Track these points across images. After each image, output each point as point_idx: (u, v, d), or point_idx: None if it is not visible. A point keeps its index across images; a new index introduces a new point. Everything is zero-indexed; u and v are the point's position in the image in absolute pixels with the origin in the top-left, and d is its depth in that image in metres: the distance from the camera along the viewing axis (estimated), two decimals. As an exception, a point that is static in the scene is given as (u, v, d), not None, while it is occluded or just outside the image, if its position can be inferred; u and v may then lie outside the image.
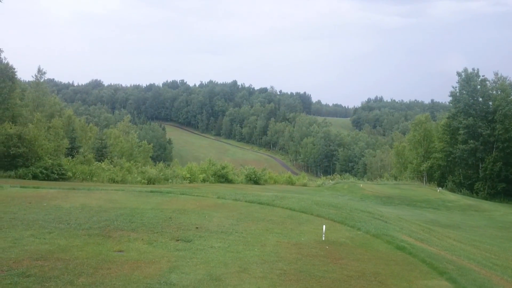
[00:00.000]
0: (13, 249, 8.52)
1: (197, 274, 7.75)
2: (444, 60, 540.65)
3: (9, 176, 30.17)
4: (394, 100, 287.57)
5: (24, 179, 28.97)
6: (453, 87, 57.59)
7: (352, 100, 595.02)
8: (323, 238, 11.19)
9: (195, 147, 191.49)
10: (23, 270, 7.25)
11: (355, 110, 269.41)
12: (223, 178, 34.31)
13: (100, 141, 57.78)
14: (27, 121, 46.07)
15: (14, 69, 50.94)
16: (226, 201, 16.85)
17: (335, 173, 79.41)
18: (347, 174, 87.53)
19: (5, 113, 46.73)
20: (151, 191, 18.45)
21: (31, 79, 69.20)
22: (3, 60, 44.38)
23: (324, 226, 11.80)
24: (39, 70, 66.67)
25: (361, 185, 41.76)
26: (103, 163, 37.60)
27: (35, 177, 29.94)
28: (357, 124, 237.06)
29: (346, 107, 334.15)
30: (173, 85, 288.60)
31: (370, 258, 9.85)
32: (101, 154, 52.01)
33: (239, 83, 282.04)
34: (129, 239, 9.98)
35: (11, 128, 35.88)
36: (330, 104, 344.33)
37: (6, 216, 11.64)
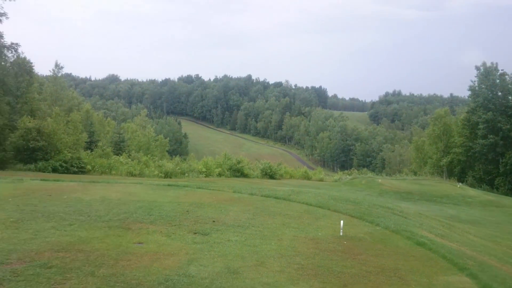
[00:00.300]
0: (34, 240, 8.68)
1: (215, 267, 7.82)
2: (463, 53, 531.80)
3: (29, 169, 30.72)
4: (413, 94, 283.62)
5: (44, 172, 29.45)
6: (472, 81, 56.76)
7: (369, 94, 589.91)
8: (341, 233, 11.15)
9: (210, 142, 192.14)
10: (44, 262, 7.38)
11: (373, 104, 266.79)
12: (238, 172, 34.39)
13: (118, 135, 58.40)
14: (45, 115, 46.72)
15: (31, 63, 51.63)
16: (242, 195, 16.90)
17: (352, 168, 79.01)
18: (365, 169, 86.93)
19: (24, 107, 47.48)
20: (168, 185, 18.61)
21: (48, 73, 70.17)
22: (21, 55, 44.96)
23: (341, 221, 11.75)
24: (57, 65, 67.50)
25: (380, 180, 41.39)
26: (121, 156, 38.05)
27: (54, 170, 30.43)
28: (375, 118, 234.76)
29: (363, 101, 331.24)
30: (188, 79, 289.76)
31: (390, 254, 9.79)
32: (119, 148, 52.59)
33: (253, 77, 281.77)
34: (148, 231, 10.10)
35: (30, 122, 36.48)
36: (347, 98, 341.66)
37: (27, 208, 11.85)
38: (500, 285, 8.75)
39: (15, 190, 15.11)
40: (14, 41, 37.90)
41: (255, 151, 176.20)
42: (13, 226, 9.74)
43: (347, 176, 45.56)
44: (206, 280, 7.12)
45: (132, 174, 30.27)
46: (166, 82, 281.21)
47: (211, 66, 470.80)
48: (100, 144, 51.96)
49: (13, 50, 39.63)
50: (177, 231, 10.28)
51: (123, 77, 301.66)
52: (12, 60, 43.01)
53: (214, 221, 11.62)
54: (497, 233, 20.24)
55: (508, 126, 50.49)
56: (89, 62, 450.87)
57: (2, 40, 37.82)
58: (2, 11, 36.81)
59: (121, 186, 17.89)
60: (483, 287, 8.23)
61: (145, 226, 10.53)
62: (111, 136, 67.82)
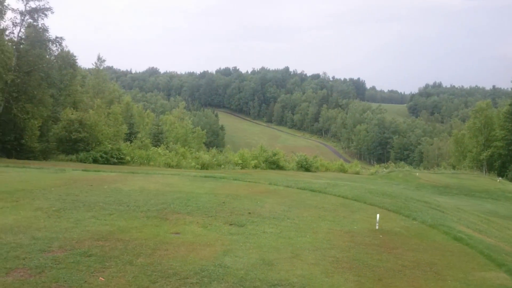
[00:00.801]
0: (75, 229, 8.97)
1: (250, 258, 7.89)
2: (506, 44, 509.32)
3: (71, 160, 31.84)
4: (454, 86, 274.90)
5: (85, 162, 30.43)
6: (516, 72, 54.41)
7: (409, 86, 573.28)
8: (377, 227, 11.02)
9: (247, 134, 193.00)
10: (85, 250, 7.61)
11: (412, 96, 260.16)
12: (274, 164, 34.44)
13: (157, 127, 59.54)
14: (87, 107, 48.19)
15: (75, 56, 53.30)
16: (277, 187, 16.94)
17: (389, 161, 77.46)
18: (402, 162, 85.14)
19: (67, 99, 49.14)
20: (205, 176, 18.88)
21: (91, 66, 72.23)
22: (64, 48, 46.43)
23: (378, 215, 11.61)
24: (99, 58, 69.34)
25: (417, 173, 40.53)
26: (159, 148, 38.82)
27: (95, 161, 31.40)
28: (414, 110, 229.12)
29: (402, 93, 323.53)
30: (226, 72, 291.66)
31: (426, 248, 9.61)
32: (157, 139, 53.68)
33: (291, 69, 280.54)
34: (185, 222, 10.30)
35: (72, 114, 37.71)
36: (385, 90, 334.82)
37: (69, 198, 12.30)
38: (542, 283, 8.44)
39: (58, 180, 15.71)
40: (58, 35, 39.09)
41: (291, 143, 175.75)
42: (55, 215, 10.11)
43: (384, 169, 44.83)
44: (241, 271, 7.20)
45: (169, 165, 30.85)
46: (204, 74, 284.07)
47: (249, 59, 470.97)
48: (139, 135, 53.21)
49: (57, 44, 41.00)
50: (213, 222, 10.43)
51: (162, 69, 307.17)
52: (56, 53, 44.55)
53: (250, 212, 11.73)
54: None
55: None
56: (130, 56, 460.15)
57: (47, 34, 39.17)
58: (48, 6, 38.17)
59: (159, 177, 18.27)
60: (523, 285, 7.97)
61: (182, 217, 10.74)
62: (150, 128, 69.22)
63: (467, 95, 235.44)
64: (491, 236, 12.92)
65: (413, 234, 10.93)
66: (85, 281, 6.23)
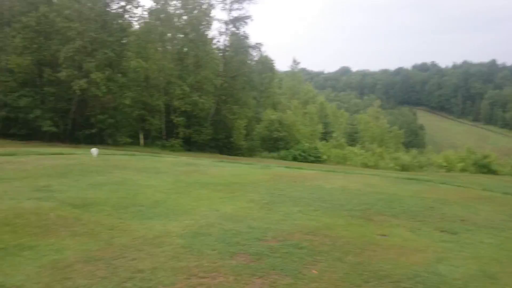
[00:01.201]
0: (285, 222, 9.44)
1: (468, 269, 7.15)
2: None
3: (273, 157, 34.23)
4: None
5: (285, 160, 32.27)
6: None
7: None
8: None
9: (450, 134, 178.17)
10: (295, 242, 7.91)
11: None
12: (485, 168, 30.83)
13: (352, 126, 59.70)
14: (285, 108, 51.17)
15: (272, 60, 57.22)
16: (493, 193, 15.10)
17: None
18: None
19: (266, 100, 53.03)
20: (408, 178, 18.04)
21: (286, 69, 76.67)
22: (263, 53, 50.08)
23: None
24: (294, 61, 72.99)
25: None
26: (355, 147, 38.79)
27: (294, 158, 33.10)
28: None
29: None
30: (422, 67, 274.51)
31: None
32: (352, 139, 53.86)
33: (499, 62, 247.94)
34: (390, 224, 9.94)
35: (272, 114, 40.51)
36: None
37: (276, 192, 13.05)
38: None
39: (265, 175, 16.95)
40: (258, 41, 42.71)
41: (504, 145, 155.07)
42: (266, 207, 10.85)
43: None
44: (459, 281, 6.57)
45: (366, 165, 30.46)
46: (399, 71, 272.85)
47: (449, 52, 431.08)
48: (334, 135, 54.11)
49: (257, 49, 44.68)
50: (422, 227, 9.82)
51: (354, 68, 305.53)
52: (256, 58, 48.59)
53: (462, 220, 10.68)
54: None
55: None
56: (322, 56, 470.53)
57: (247, 41, 43.01)
58: (248, 14, 41.92)
59: (358, 176, 18.17)
60: None
61: (387, 219, 10.40)
62: (344, 127, 69.75)
63: None
64: None
65: None
66: (299, 272, 6.49)
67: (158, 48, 40.68)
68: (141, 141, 37.67)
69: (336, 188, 14.63)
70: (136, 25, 41.25)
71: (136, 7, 39.06)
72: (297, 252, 7.38)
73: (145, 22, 40.79)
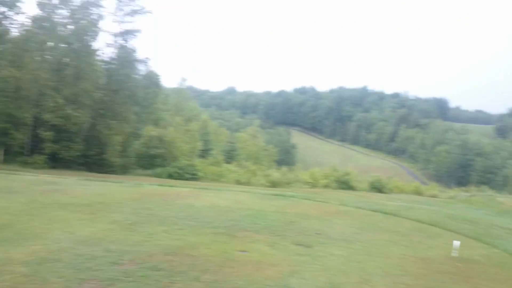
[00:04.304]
0: (147, 243, 9.19)
1: (317, 281, 7.65)
2: None
3: (148, 175, 33.28)
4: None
5: (160, 177, 31.58)
6: None
7: (497, 105, 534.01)
8: (455, 254, 10.29)
9: (318, 152, 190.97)
10: (154, 264, 7.74)
11: (500, 116, 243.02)
12: (345, 184, 33.59)
13: (230, 144, 60.79)
14: (167, 124, 50.40)
15: (158, 76, 56.31)
16: (348, 208, 16.46)
17: (469, 185, 72.82)
18: (484, 186, 79.62)
19: (149, 116, 51.76)
20: (275, 194, 18.82)
21: (172, 85, 76.02)
22: (149, 68, 49.15)
23: (456, 241, 10.85)
24: (182, 78, 72.77)
25: (501, 199, 37.69)
26: (231, 165, 39.53)
27: (170, 176, 32.54)
28: (502, 132, 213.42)
29: (490, 113, 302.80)
30: (302, 90, 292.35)
31: (506, 279, 8.85)
32: (230, 156, 54.79)
33: (369, 88, 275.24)
34: (252, 240, 10.25)
35: (153, 131, 39.55)
36: (471, 110, 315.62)
37: (144, 212, 12.71)
38: None
39: (134, 194, 16.40)
40: (145, 55, 41.65)
41: (365, 163, 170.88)
42: (129, 228, 10.44)
43: (464, 193, 42.13)
44: (307, 294, 7.02)
45: (239, 182, 31.18)
46: (280, 93, 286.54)
47: (327, 77, 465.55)
48: (213, 152, 54.59)
49: (144, 63, 43.62)
50: (280, 241, 10.29)
51: (240, 89, 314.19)
52: (143, 73, 47.35)
53: (318, 233, 11.45)
54: None
55: None
56: (209, 75, 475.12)
57: (135, 55, 41.79)
58: (137, 27, 40.87)
59: (229, 193, 18.50)
60: None
61: (249, 235, 10.71)
62: (223, 145, 70.82)
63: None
64: None
65: (494, 263, 10.12)
66: (153, 295, 6.37)
67: (36, 58, 37.46)
68: (0, 157, 34.00)
69: (206, 205, 14.70)
70: (16, 33, 37.71)
71: (17, 14, 35.86)
72: (154, 275, 7.21)
73: (26, 30, 37.37)
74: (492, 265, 9.88)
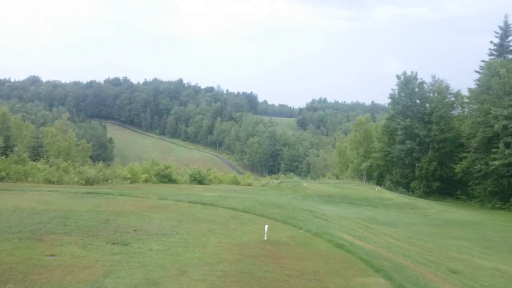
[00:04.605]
0: None
1: (133, 279, 7.48)
2: (384, 63, 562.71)
3: None
4: (337, 101, 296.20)
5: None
6: (392, 89, 60.21)
7: (298, 100, 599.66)
8: (265, 238, 11.18)
9: (138, 147, 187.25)
10: None
11: (300, 110, 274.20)
12: (166, 178, 33.50)
13: (36, 140, 55.27)
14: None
15: None
16: (168, 202, 16.46)
17: (279, 173, 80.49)
18: (292, 173, 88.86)
19: None
20: (88, 192, 17.71)
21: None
22: None
23: (266, 225, 11.80)
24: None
25: (305, 184, 42.46)
26: (38, 162, 35.70)
27: (-39, 177, 27.89)
28: (302, 124, 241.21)
29: (292, 107, 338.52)
30: (115, 82, 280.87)
31: (310, 257, 9.95)
32: (36, 153, 49.65)
33: (185, 81, 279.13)
34: (62, 242, 9.48)
35: None
36: (276, 104, 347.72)
37: None
38: (413, 285, 9.18)
39: None
40: None
41: (185, 156, 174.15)
42: None
43: (274, 180, 46.17)
44: (123, 292, 6.79)
45: (50, 181, 28.47)
46: (91, 84, 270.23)
47: (141, 70, 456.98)
48: (16, 149, 48.80)
49: None
50: (94, 241, 9.73)
51: (45, 78, 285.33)
52: None
53: (135, 230, 11.16)
54: (412, 234, 21.45)
55: (424, 132, 53.88)
56: (8, 62, 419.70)
57: None
58: None
59: (36, 194, 16.77)
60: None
61: (59, 237, 9.88)
62: (28, 140, 64.09)
63: (349, 110, 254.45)
64: (370, 242, 13.82)
65: (299, 243, 11.26)
66: None
67: None
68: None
69: (7, 208, 13.03)
70: None
71: None
72: None
73: None
74: (298, 245, 10.96)
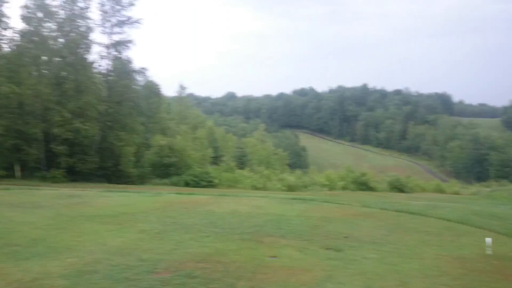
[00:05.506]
0: (177, 251, 9.16)
1: (354, 286, 7.49)
2: None
3: (165, 184, 33.26)
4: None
5: (177, 186, 31.58)
6: None
7: (500, 98, 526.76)
8: (489, 252, 10.03)
9: (330, 154, 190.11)
10: (188, 271, 7.69)
11: (505, 109, 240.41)
12: (363, 185, 33.21)
13: (240, 150, 60.66)
14: (174, 133, 50.43)
15: (158, 85, 56.36)
16: (372, 210, 16.22)
17: (489, 180, 71.72)
18: (505, 180, 78.36)
19: (155, 126, 51.78)
20: (294, 198, 18.66)
21: (173, 94, 76.24)
22: (148, 78, 49.06)
23: (489, 239, 10.58)
24: (181, 86, 72.81)
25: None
26: (244, 170, 39.34)
27: (187, 184, 32.52)
28: (509, 124, 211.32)
29: (494, 106, 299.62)
30: (302, 92, 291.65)
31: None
32: (241, 162, 54.64)
33: (370, 86, 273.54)
34: (279, 245, 10.12)
35: (162, 140, 39.54)
36: (475, 104, 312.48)
37: (168, 220, 12.69)
38: None
39: (156, 203, 16.37)
40: (142, 66, 41.53)
41: (379, 163, 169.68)
42: (158, 237, 10.46)
43: (485, 188, 41.47)
44: (346, 299, 6.84)
45: (256, 188, 31.01)
46: (280, 96, 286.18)
47: (324, 78, 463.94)
48: (224, 158, 54.54)
49: (142, 74, 43.50)
50: (308, 246, 10.13)
51: (239, 94, 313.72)
52: (142, 83, 47.33)
53: (346, 236, 11.25)
54: None
55: None
56: (209, 82, 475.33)
57: (131, 65, 41.66)
58: (129, 38, 40.80)
59: (248, 199, 18.39)
60: None
61: (276, 240, 10.57)
62: (233, 150, 70.79)
63: None
64: None
65: (531, 260, 9.79)
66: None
67: (33, 72, 37.51)
68: (18, 173, 34.11)
69: (227, 212, 14.61)
70: (7, 48, 37.68)
71: (5, 29, 35.88)
72: (190, 282, 7.15)
73: (16, 45, 37.37)
74: (529, 262, 9.58)
